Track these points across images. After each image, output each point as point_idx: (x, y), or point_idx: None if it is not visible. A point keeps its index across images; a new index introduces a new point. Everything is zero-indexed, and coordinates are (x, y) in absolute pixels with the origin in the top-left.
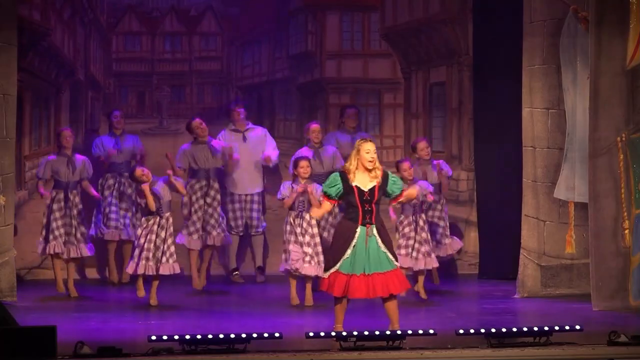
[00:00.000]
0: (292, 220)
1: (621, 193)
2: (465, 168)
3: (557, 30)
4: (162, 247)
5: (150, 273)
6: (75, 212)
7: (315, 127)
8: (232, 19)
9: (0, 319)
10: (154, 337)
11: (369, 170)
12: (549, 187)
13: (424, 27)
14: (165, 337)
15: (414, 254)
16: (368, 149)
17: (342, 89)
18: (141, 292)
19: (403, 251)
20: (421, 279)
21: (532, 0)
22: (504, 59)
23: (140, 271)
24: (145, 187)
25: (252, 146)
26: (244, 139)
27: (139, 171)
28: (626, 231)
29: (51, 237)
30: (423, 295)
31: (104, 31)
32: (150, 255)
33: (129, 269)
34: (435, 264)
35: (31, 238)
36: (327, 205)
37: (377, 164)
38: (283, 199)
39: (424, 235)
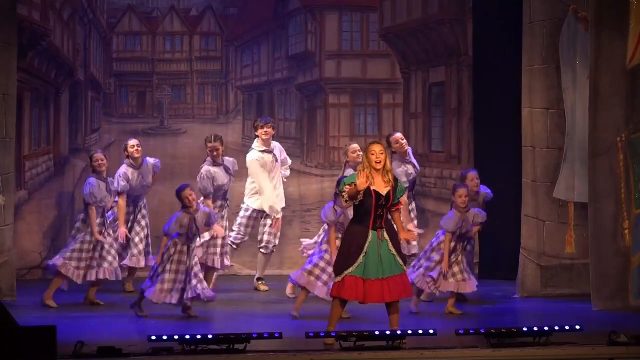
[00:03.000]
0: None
1: (621, 193)
2: (464, 168)
3: (557, 30)
4: (186, 277)
5: (174, 302)
6: (110, 232)
7: (354, 147)
8: (232, 19)
9: (0, 319)
10: (154, 337)
11: (382, 175)
12: (549, 187)
13: (423, 27)
14: (165, 337)
15: (459, 276)
16: (373, 151)
17: (342, 89)
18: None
19: (452, 280)
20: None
21: (532, 0)
22: (504, 59)
23: (166, 300)
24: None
25: (279, 165)
26: (276, 159)
27: (187, 191)
28: (626, 231)
29: (95, 264)
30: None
31: (104, 31)
32: (175, 285)
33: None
34: (469, 289)
35: (31, 238)
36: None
37: (388, 167)
38: (327, 222)
39: (459, 258)
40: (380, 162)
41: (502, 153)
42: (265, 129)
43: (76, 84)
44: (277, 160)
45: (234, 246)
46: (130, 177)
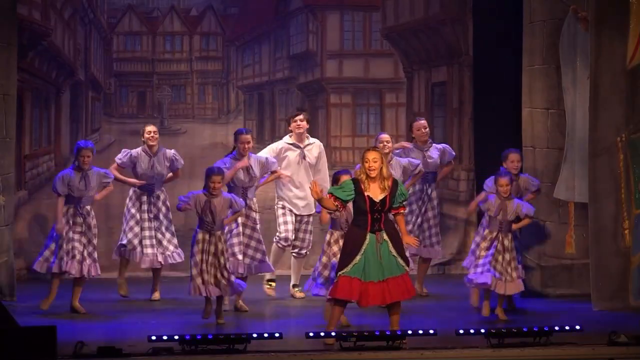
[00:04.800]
0: (333, 241)
1: (621, 193)
2: (465, 168)
3: (557, 30)
4: (215, 268)
5: (211, 295)
6: (88, 227)
7: (383, 137)
8: (232, 18)
9: (1, 319)
10: (154, 337)
11: (378, 181)
12: (549, 187)
13: (425, 27)
14: (165, 337)
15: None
16: (367, 158)
17: (343, 89)
18: (207, 315)
19: (479, 269)
20: (500, 300)
21: (532, 0)
22: (504, 59)
23: (198, 294)
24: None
25: (309, 165)
26: (304, 156)
27: (216, 177)
28: (626, 231)
29: (65, 256)
30: (502, 316)
31: (104, 31)
32: (208, 277)
33: (190, 291)
34: (509, 292)
35: (31, 238)
36: (329, 202)
37: (386, 174)
38: (320, 212)
39: (506, 256)
40: (373, 170)
41: (502, 153)
42: (298, 122)
43: (76, 83)
44: (304, 158)
45: (296, 253)
46: (139, 160)
